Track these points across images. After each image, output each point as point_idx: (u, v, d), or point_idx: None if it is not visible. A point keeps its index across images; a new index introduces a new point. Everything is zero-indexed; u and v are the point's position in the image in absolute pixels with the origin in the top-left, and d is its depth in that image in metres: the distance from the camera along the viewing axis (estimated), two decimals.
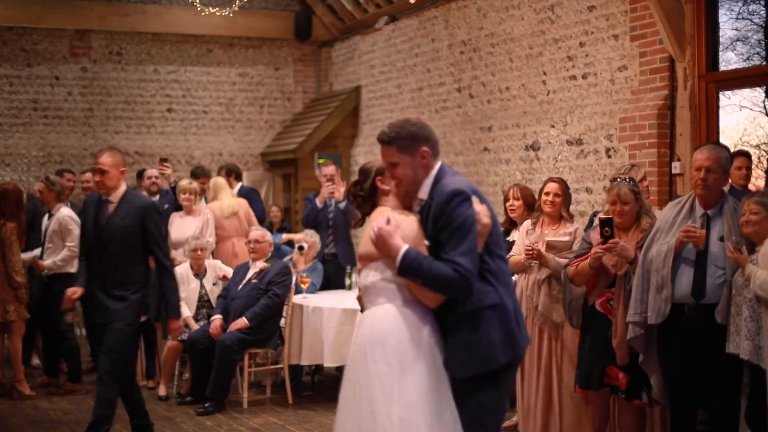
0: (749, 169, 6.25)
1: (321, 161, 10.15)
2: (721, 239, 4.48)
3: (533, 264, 5.54)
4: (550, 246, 5.48)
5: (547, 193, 5.58)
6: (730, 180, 5.76)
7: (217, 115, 12.31)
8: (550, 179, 5.69)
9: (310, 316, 6.95)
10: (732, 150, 6.15)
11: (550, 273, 5.47)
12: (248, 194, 9.17)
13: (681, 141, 6.68)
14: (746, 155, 6.33)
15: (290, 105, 12.72)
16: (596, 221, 4.97)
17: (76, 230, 7.29)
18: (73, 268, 7.33)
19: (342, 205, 8.24)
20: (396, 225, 3.32)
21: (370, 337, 3.33)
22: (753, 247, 4.39)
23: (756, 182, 6.73)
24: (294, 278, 7.37)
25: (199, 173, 9.27)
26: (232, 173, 9.38)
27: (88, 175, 8.49)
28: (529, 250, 5.42)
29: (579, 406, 5.32)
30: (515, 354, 3.36)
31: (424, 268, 3.22)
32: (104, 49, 11.68)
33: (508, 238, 6.21)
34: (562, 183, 5.65)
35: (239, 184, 9.40)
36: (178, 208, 8.31)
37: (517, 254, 5.65)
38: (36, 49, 11.37)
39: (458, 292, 3.25)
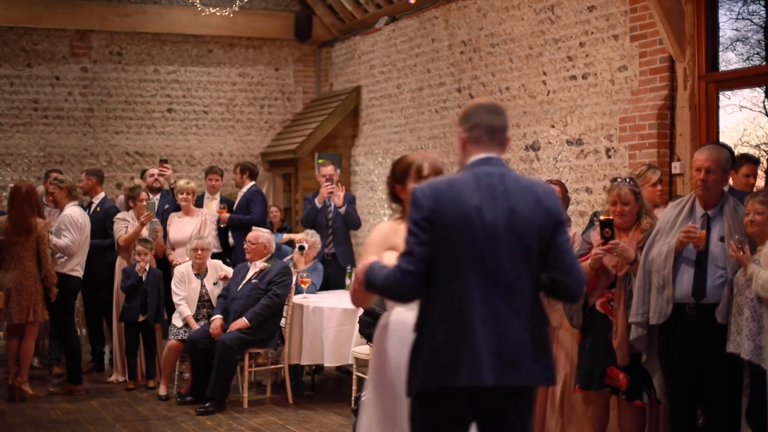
0: (755, 177, 6.06)
1: (320, 161, 10.15)
2: (722, 239, 4.48)
3: None
4: None
5: None
6: (732, 182, 5.74)
7: (217, 115, 12.31)
8: (549, 181, 5.69)
9: (310, 316, 6.96)
10: (740, 153, 6.09)
11: None
12: (250, 195, 9.06)
13: (681, 141, 6.68)
14: (755, 162, 6.05)
15: (290, 105, 12.72)
16: (596, 222, 4.98)
17: (71, 234, 7.28)
18: (66, 269, 7.31)
19: (342, 209, 8.25)
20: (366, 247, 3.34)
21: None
22: (755, 246, 4.39)
23: (756, 183, 6.71)
24: (294, 278, 7.38)
25: (209, 171, 9.32)
26: (246, 171, 9.26)
27: (81, 176, 8.55)
28: None
29: (578, 406, 5.32)
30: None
31: (375, 275, 3.07)
32: (104, 49, 11.68)
33: None
34: (561, 185, 5.65)
35: (250, 184, 9.23)
36: (178, 208, 8.33)
37: None
38: (36, 50, 11.37)
39: (394, 294, 3.06)
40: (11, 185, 11.04)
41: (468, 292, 2.94)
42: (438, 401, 2.97)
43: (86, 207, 8.36)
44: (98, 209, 8.30)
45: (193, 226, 8.07)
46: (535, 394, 3.08)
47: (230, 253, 8.75)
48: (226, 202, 9.09)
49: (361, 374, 6.34)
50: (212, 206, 8.84)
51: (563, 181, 5.92)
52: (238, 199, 9.11)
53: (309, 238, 7.92)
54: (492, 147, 3.08)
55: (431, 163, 3.51)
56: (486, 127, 3.07)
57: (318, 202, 8.34)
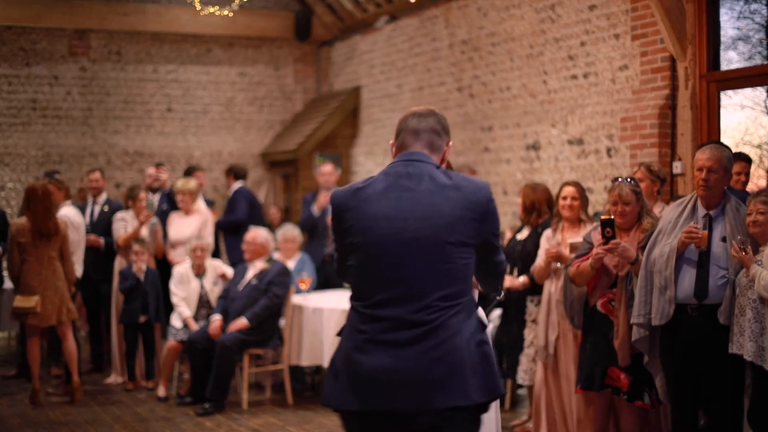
0: (747, 175, 6.10)
1: (320, 161, 10.15)
2: (724, 240, 4.46)
3: (558, 266, 5.51)
4: (573, 247, 5.45)
5: (564, 198, 5.56)
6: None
7: (216, 115, 12.29)
8: (566, 183, 5.65)
9: (310, 317, 6.94)
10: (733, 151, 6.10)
11: None
12: (233, 196, 9.12)
13: (682, 141, 6.66)
14: (746, 160, 6.13)
15: (290, 105, 12.70)
16: (597, 222, 4.96)
17: (70, 233, 7.28)
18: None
19: None
20: None
21: None
22: (757, 246, 4.37)
23: (758, 182, 6.70)
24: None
25: (191, 170, 9.33)
26: (231, 172, 9.37)
27: (97, 174, 8.51)
28: (550, 251, 5.43)
29: (580, 406, 5.31)
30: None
31: None
32: (103, 48, 11.66)
33: (519, 237, 6.19)
34: (578, 186, 5.63)
35: (237, 184, 9.29)
36: (174, 209, 8.31)
37: (538, 263, 5.64)
38: (35, 49, 11.35)
39: None
40: (9, 185, 11.07)
41: (372, 305, 2.74)
42: (345, 419, 2.81)
43: (86, 207, 8.35)
44: (105, 209, 8.30)
45: (193, 226, 8.05)
46: (471, 415, 2.74)
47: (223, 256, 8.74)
48: (209, 203, 9.13)
49: None
50: (200, 205, 8.81)
51: (578, 182, 5.88)
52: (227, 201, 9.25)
53: (287, 233, 7.94)
54: (418, 148, 2.89)
55: None
56: (410, 129, 2.89)
57: (317, 210, 8.32)
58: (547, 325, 5.58)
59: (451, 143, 2.98)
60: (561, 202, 5.58)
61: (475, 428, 2.78)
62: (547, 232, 5.71)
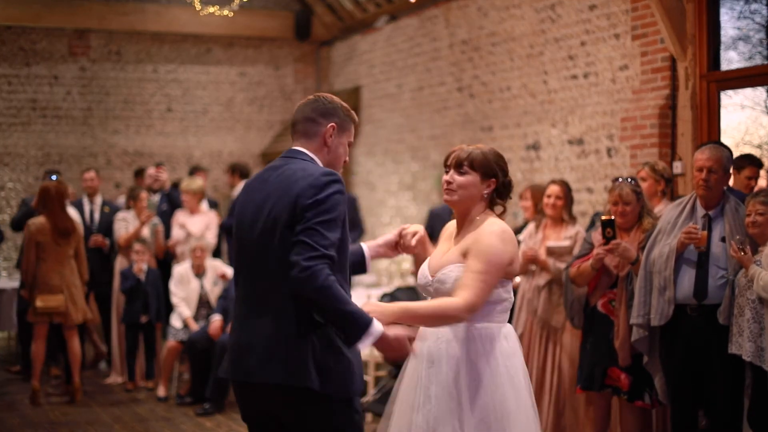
0: (757, 179, 5.86)
1: None
2: (723, 240, 4.46)
3: (533, 268, 5.54)
4: (550, 252, 5.48)
5: (549, 196, 5.59)
6: (732, 183, 5.67)
7: (216, 115, 12.27)
8: (552, 181, 5.68)
9: None
10: (744, 154, 6.02)
11: (551, 278, 5.46)
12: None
13: (682, 141, 6.65)
14: (758, 164, 5.86)
15: (290, 105, 12.67)
16: (598, 222, 4.96)
17: None
18: None
19: None
20: None
21: None
22: (756, 247, 4.37)
23: (758, 182, 6.68)
24: None
25: (195, 170, 9.33)
26: (236, 171, 9.31)
27: (92, 174, 8.50)
28: (527, 254, 5.45)
29: (580, 407, 5.31)
30: None
31: None
32: (103, 48, 11.65)
33: (519, 237, 6.20)
34: (564, 185, 5.64)
35: (243, 184, 9.24)
36: (173, 209, 8.28)
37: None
38: (35, 49, 11.33)
39: None
40: (9, 185, 11.06)
41: (237, 289, 3.05)
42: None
43: (82, 206, 8.34)
44: (106, 209, 8.30)
45: (197, 227, 8.02)
46: (320, 399, 2.83)
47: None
48: (212, 204, 9.09)
49: None
50: (202, 206, 8.79)
51: (566, 181, 5.89)
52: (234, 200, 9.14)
53: None
54: (296, 140, 3.06)
55: (455, 155, 3.30)
56: (291, 122, 3.09)
57: None
58: (517, 321, 5.61)
59: (332, 125, 3.02)
60: (545, 200, 5.61)
61: (323, 421, 2.86)
62: (530, 228, 5.74)
